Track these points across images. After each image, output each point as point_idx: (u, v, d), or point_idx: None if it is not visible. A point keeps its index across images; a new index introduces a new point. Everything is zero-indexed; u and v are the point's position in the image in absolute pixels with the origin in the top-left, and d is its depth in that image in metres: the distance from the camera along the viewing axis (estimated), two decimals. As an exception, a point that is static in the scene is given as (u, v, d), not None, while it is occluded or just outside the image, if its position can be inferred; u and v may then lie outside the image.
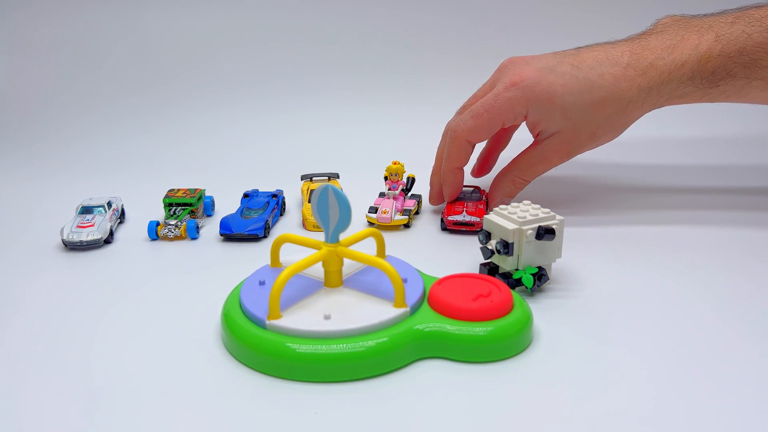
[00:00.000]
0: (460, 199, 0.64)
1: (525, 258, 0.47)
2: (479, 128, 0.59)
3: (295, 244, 0.46)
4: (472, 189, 0.66)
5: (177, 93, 1.00)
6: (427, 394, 0.37)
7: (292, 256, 0.48)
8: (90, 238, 0.58)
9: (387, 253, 0.48)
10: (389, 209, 0.62)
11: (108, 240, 0.60)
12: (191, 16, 1.03)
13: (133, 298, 0.49)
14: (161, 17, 1.03)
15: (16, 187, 0.78)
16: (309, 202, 0.65)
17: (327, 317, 0.39)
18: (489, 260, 0.50)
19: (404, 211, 0.63)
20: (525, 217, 0.47)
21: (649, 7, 0.72)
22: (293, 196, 0.72)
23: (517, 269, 0.47)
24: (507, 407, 0.36)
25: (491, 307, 0.40)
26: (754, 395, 0.36)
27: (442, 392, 0.37)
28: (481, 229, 0.49)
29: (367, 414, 0.35)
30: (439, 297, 0.42)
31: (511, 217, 0.47)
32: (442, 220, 0.60)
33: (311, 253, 0.44)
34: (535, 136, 0.62)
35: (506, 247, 0.47)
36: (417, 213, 0.67)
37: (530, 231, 0.46)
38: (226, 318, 0.42)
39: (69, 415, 0.36)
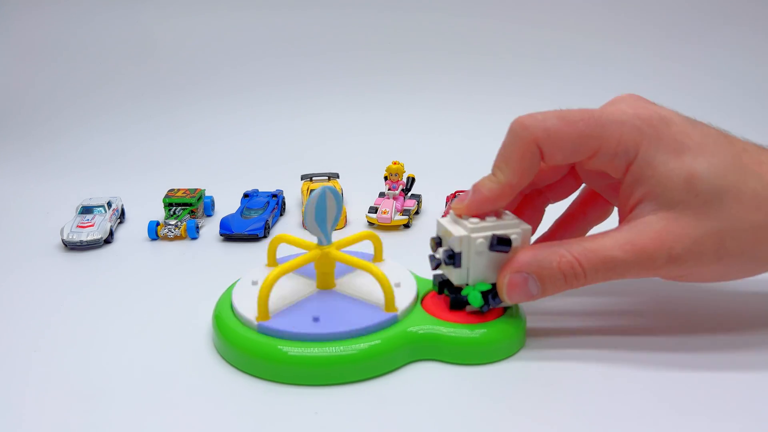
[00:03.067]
0: None
1: (476, 272, 0.39)
2: (564, 133, 0.38)
3: (290, 244, 0.46)
4: None
5: (177, 93, 1.00)
6: (423, 395, 0.37)
7: (291, 255, 0.48)
8: (90, 238, 0.58)
9: (387, 252, 0.48)
10: (389, 209, 0.62)
11: (108, 240, 0.60)
12: (192, 16, 1.03)
13: (132, 298, 0.49)
14: (162, 18, 1.03)
15: (16, 187, 0.78)
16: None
17: (315, 319, 0.39)
18: (441, 272, 0.42)
19: (404, 211, 0.63)
20: (477, 223, 0.39)
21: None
22: (293, 196, 0.72)
23: (467, 284, 0.40)
24: (500, 409, 0.36)
25: None
26: (755, 394, 0.36)
27: (438, 393, 0.37)
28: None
29: (364, 415, 0.35)
30: (433, 299, 0.41)
31: (463, 222, 0.39)
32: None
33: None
34: (627, 211, 0.39)
35: (451, 258, 0.39)
36: (417, 213, 0.67)
37: (481, 240, 0.38)
38: (216, 320, 0.42)
39: (67, 414, 0.36)
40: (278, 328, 0.39)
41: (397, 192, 0.64)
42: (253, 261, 0.53)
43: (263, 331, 0.39)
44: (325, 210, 0.41)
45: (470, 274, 0.39)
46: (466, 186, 0.68)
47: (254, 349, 0.39)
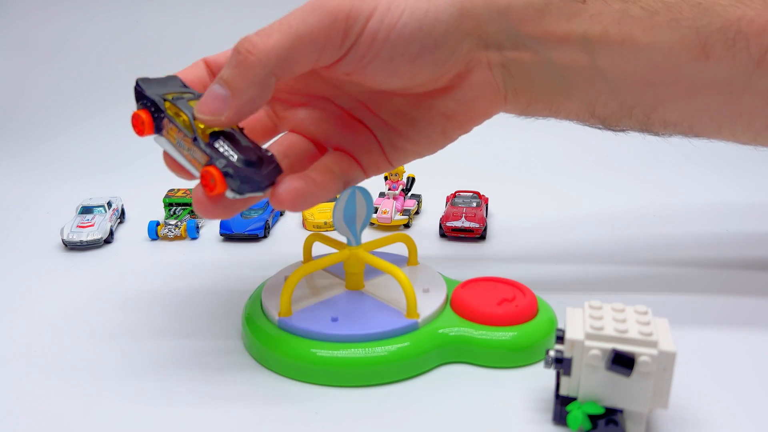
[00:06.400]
0: (458, 204, 0.64)
1: (587, 387, 0.31)
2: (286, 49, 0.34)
3: (323, 243, 0.46)
4: (471, 194, 0.66)
5: (177, 93, 1.00)
6: (443, 396, 0.37)
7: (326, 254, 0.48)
8: (90, 238, 0.58)
9: (387, 251, 0.48)
10: (389, 209, 0.62)
11: (108, 240, 0.60)
12: (191, 14, 1.03)
13: (132, 298, 0.49)
14: (161, 15, 1.03)
15: (16, 187, 0.78)
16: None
17: (334, 320, 0.39)
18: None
19: (404, 211, 0.63)
20: (602, 327, 0.31)
21: None
22: (293, 196, 0.71)
23: (575, 398, 0.32)
24: (529, 413, 0.35)
25: (516, 312, 0.40)
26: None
27: (459, 395, 0.37)
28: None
29: (366, 416, 0.35)
30: (463, 301, 0.41)
31: (588, 320, 0.32)
32: (440, 226, 0.60)
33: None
34: None
35: (560, 362, 0.32)
36: (417, 213, 0.67)
37: (596, 351, 0.30)
38: (245, 312, 0.42)
39: (68, 415, 0.36)
40: (296, 325, 0.39)
41: (397, 192, 0.64)
42: (254, 261, 0.53)
43: (283, 327, 0.39)
44: (355, 210, 0.41)
45: (580, 388, 0.31)
46: (467, 186, 0.69)
47: (274, 345, 0.39)
